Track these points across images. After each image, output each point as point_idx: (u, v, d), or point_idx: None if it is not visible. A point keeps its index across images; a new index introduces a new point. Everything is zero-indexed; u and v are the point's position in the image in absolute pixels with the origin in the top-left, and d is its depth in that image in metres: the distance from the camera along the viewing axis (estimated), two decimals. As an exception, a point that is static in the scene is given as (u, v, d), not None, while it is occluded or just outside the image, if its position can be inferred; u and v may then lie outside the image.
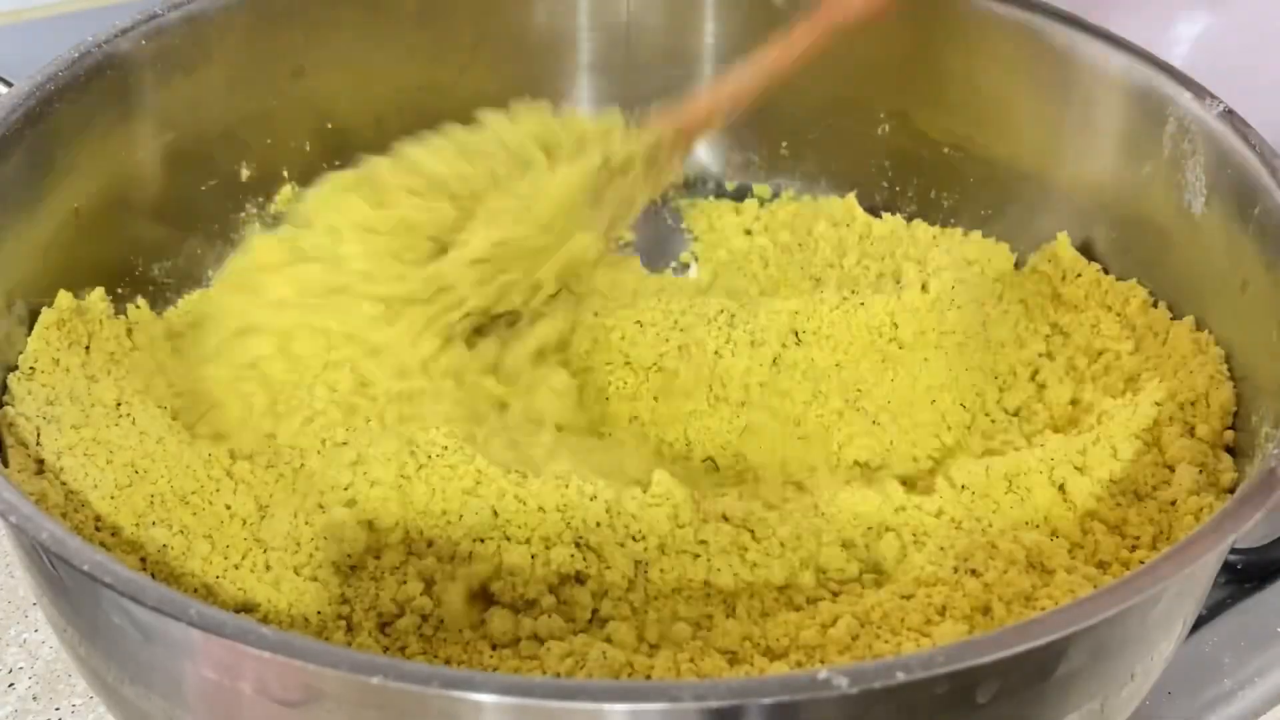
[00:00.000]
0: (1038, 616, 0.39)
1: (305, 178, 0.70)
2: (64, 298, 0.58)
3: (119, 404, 0.55)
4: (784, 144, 0.76)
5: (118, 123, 0.62)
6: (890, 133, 0.73)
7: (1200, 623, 0.58)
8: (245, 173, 0.69)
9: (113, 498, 0.51)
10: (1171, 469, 0.54)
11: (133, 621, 0.40)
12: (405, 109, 0.73)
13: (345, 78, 0.71)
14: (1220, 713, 0.55)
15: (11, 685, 0.57)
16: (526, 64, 0.75)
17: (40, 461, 0.52)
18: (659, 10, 0.75)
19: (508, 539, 0.51)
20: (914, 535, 0.53)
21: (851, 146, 0.74)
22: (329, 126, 0.71)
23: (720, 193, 0.77)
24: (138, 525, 0.50)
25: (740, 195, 0.77)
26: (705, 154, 0.77)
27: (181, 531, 0.50)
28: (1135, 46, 0.64)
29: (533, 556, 0.51)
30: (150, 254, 0.65)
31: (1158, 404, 0.56)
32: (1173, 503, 0.53)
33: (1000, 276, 0.68)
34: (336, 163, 0.71)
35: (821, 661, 0.46)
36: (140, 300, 0.63)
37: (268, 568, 0.50)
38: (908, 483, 0.57)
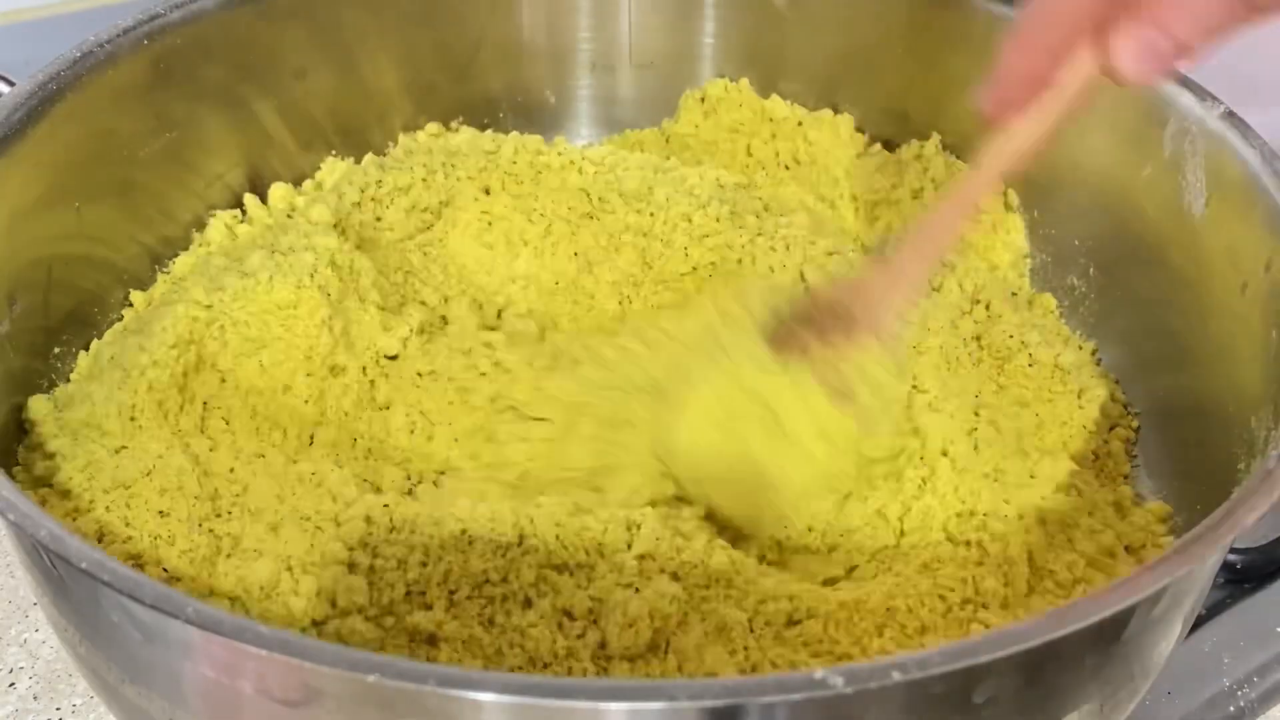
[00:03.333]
0: (1034, 617, 0.39)
1: (304, 176, 0.71)
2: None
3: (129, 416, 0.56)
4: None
5: (119, 122, 0.62)
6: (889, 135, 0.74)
7: (1200, 623, 0.58)
8: (244, 170, 0.69)
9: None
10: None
11: (132, 620, 0.41)
12: (406, 108, 0.73)
13: (347, 77, 0.71)
14: (1220, 713, 0.55)
15: (12, 685, 0.57)
16: (527, 64, 0.75)
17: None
18: (659, 10, 0.75)
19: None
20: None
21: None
22: (330, 125, 0.71)
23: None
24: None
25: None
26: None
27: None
28: None
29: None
30: (153, 253, 0.65)
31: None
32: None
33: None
34: (351, 158, 0.72)
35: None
36: (138, 296, 0.64)
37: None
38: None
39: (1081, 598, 0.40)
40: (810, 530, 0.55)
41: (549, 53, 0.75)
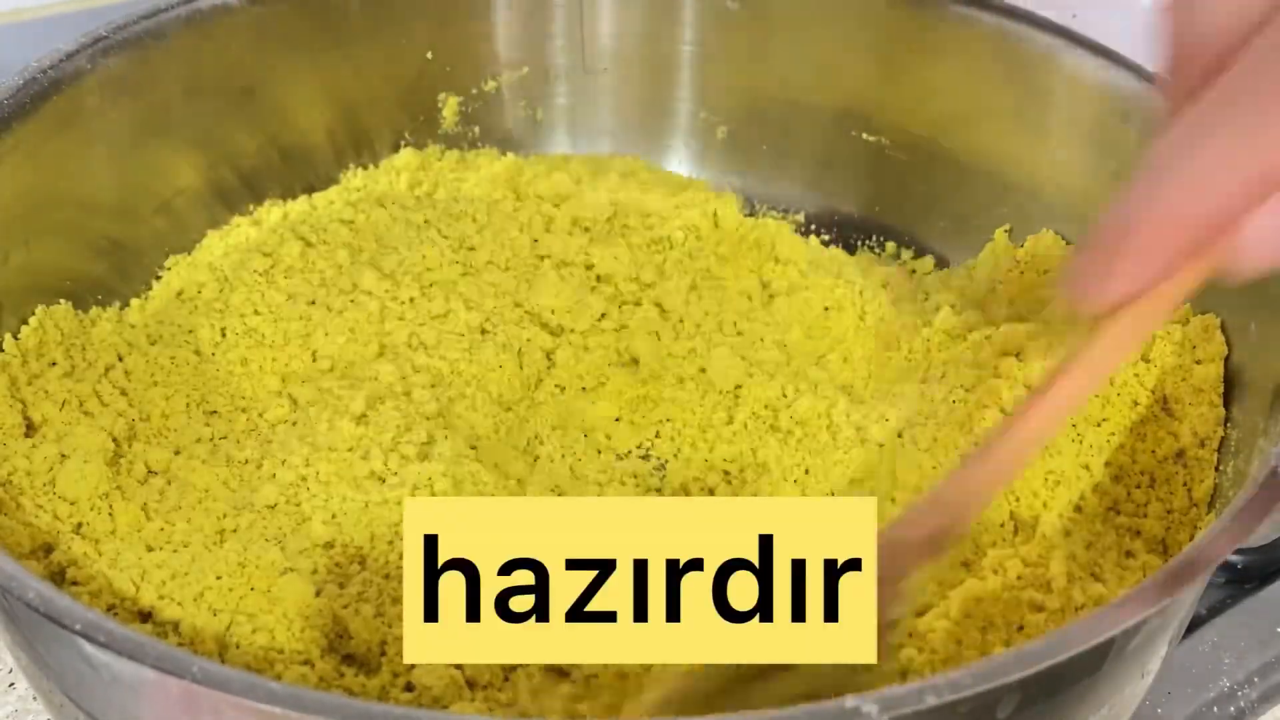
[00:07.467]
0: (1062, 630, 0.39)
1: (256, 192, 0.69)
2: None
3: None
4: (763, 146, 0.76)
5: (67, 144, 0.60)
6: (860, 141, 0.73)
7: (1200, 623, 0.58)
8: (192, 190, 0.67)
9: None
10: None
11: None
12: (354, 124, 0.72)
13: (296, 95, 0.70)
14: (1220, 713, 0.56)
15: (12, 685, 0.57)
16: (481, 75, 0.74)
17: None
18: (635, 18, 0.74)
19: None
20: None
21: (825, 159, 0.74)
22: (278, 143, 0.70)
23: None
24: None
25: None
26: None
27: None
28: (1096, 43, 0.64)
29: None
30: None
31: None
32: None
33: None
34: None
35: None
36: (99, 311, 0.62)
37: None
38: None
39: (1106, 607, 0.40)
40: None
41: (509, 63, 0.74)
